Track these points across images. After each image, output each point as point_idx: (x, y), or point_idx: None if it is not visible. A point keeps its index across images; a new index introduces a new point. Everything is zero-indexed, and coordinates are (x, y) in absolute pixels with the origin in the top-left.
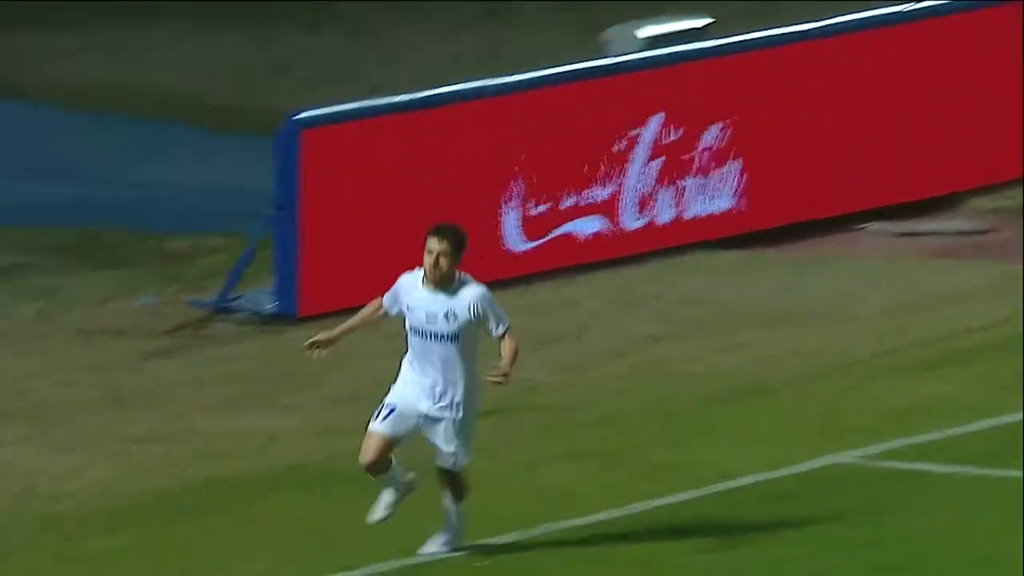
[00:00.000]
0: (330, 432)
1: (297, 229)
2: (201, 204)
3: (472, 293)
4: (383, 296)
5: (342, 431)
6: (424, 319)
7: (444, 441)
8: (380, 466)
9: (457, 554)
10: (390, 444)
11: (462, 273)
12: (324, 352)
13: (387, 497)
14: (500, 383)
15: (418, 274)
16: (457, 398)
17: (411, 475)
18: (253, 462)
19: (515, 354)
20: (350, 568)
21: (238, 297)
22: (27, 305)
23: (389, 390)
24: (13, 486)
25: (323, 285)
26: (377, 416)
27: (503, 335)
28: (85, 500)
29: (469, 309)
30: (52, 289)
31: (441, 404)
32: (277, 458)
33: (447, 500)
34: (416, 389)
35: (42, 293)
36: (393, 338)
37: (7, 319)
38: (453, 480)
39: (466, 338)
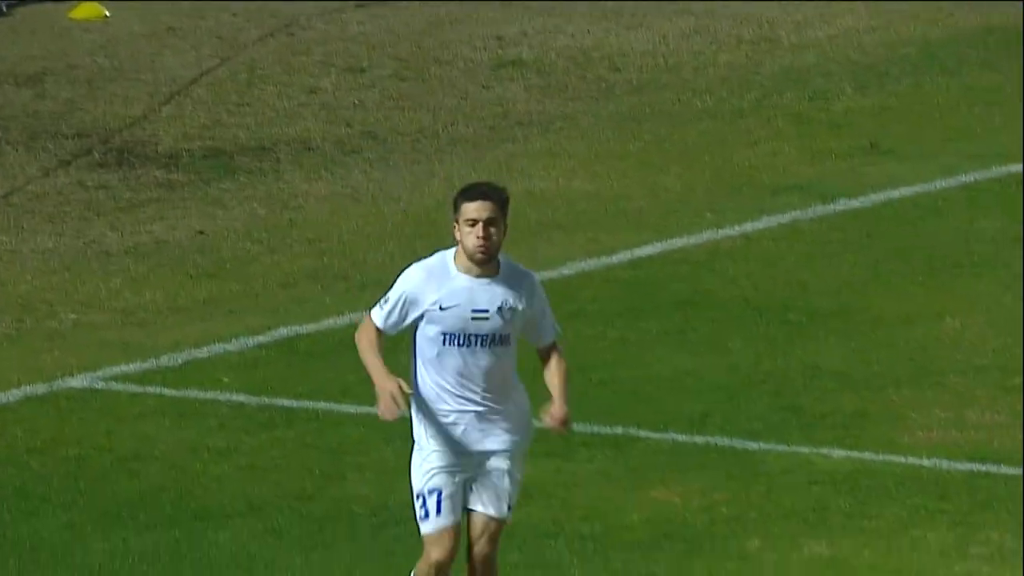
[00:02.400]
0: None
1: None
2: None
3: (528, 278)
4: (371, 311)
5: None
6: (468, 318)
7: (497, 478)
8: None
9: None
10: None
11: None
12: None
13: None
14: (563, 432)
15: (443, 258)
16: (513, 423)
17: None
18: None
19: (567, 381)
20: None
21: None
22: None
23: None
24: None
25: None
26: (425, 513)
27: (552, 345)
28: (830, 52)
29: (529, 298)
30: None
31: (493, 436)
32: None
33: None
34: (455, 433)
35: None
36: None
37: None
38: (489, 555)
39: (514, 341)
